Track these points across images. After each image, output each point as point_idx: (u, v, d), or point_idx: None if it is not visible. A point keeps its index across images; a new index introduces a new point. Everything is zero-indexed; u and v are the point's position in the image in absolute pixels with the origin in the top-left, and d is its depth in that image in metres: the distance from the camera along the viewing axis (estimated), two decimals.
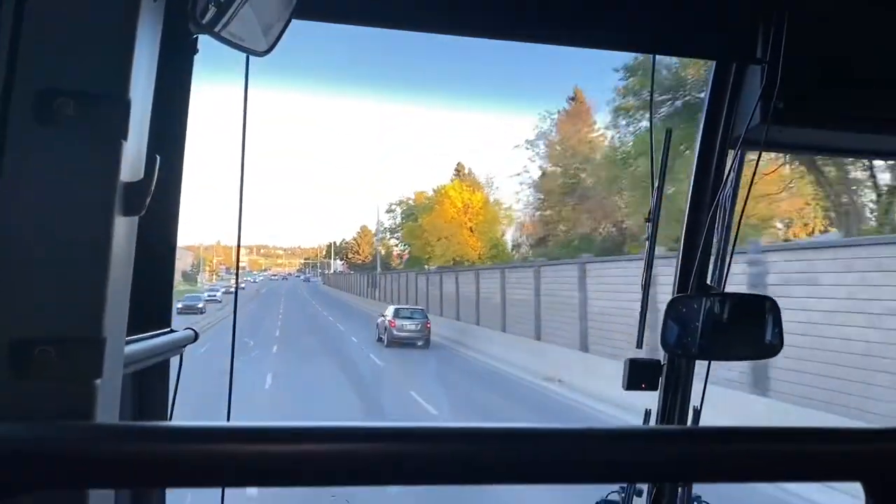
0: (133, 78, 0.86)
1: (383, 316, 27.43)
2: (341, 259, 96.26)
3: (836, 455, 0.78)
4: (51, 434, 0.66)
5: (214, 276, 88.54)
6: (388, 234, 66.04)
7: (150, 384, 1.46)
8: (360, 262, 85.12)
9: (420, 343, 25.63)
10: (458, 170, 53.00)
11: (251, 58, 1.34)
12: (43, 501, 0.69)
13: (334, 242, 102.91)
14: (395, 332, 25.65)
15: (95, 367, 0.83)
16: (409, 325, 26.19)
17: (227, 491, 1.26)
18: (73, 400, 0.82)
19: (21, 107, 0.82)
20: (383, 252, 64.47)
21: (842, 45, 1.71)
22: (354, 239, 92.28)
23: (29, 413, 0.80)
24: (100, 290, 0.83)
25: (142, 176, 0.92)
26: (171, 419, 1.50)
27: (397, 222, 61.28)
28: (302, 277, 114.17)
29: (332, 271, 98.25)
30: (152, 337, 1.36)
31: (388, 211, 63.66)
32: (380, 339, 26.68)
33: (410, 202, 57.76)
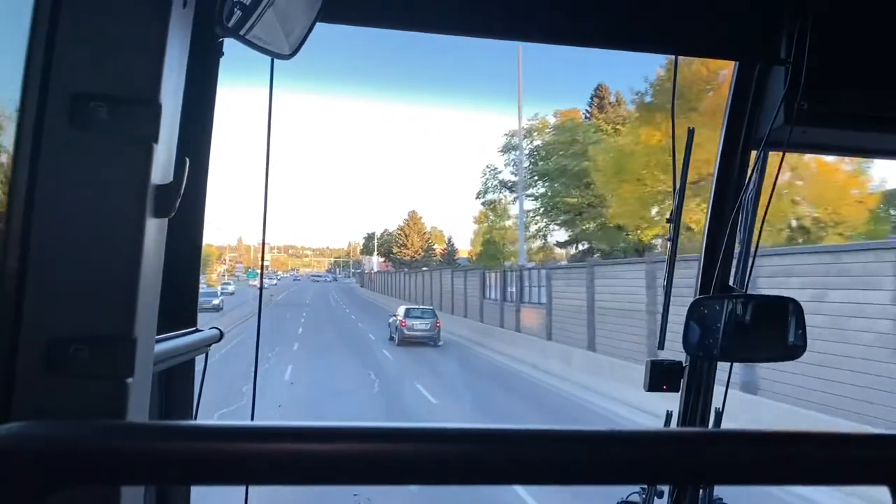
0: (163, 82, 0.88)
1: (395, 316, 28.14)
2: (384, 256, 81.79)
3: (863, 459, 0.77)
4: (87, 432, 0.68)
5: (227, 275, 79.85)
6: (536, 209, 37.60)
7: (176, 382, 1.48)
8: (408, 257, 72.34)
9: (430, 342, 26.25)
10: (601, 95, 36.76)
11: (276, 61, 1.36)
12: (77, 497, 0.70)
13: (374, 234, 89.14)
14: (405, 332, 26.31)
15: (128, 366, 0.85)
16: (420, 324, 26.82)
17: (251, 488, 1.28)
18: (106, 398, 0.84)
19: (56, 111, 0.84)
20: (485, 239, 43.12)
21: (865, 44, 1.70)
22: (401, 228, 77.25)
23: (63, 410, 0.82)
24: (132, 291, 0.85)
25: (171, 179, 0.93)
26: (195, 417, 1.52)
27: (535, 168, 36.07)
28: (329, 278, 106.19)
29: (372, 269, 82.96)
30: (179, 336, 1.37)
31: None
32: (391, 339, 27.30)
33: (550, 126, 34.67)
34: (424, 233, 77.12)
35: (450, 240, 72.28)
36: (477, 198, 45.50)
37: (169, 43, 0.88)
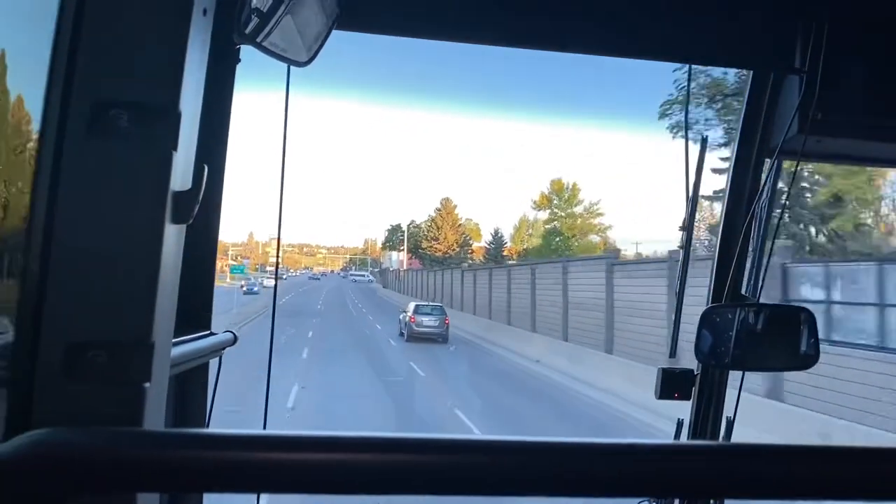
0: (183, 90, 0.88)
1: (404, 312, 28.52)
2: (410, 251, 68.42)
3: (880, 475, 0.77)
4: (108, 440, 0.69)
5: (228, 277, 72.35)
6: None
7: (191, 386, 1.49)
8: (440, 253, 60.77)
9: (439, 339, 26.57)
10: None
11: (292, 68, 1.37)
12: (95, 502, 0.71)
13: (399, 226, 73.46)
14: (414, 328, 26.71)
15: (145, 372, 0.86)
16: (429, 320, 27.21)
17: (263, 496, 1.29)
18: (124, 402, 0.85)
19: (78, 118, 0.85)
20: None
21: (880, 54, 1.69)
22: (432, 219, 64.65)
23: (82, 414, 0.83)
24: (150, 297, 0.86)
25: (190, 185, 0.94)
26: (209, 421, 1.53)
27: None
28: (346, 276, 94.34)
29: (396, 267, 69.90)
30: (194, 340, 1.38)
31: None
32: (401, 334, 27.70)
33: None
34: (459, 225, 64.53)
35: (496, 232, 58.93)
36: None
37: (189, 51, 0.89)
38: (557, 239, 40.05)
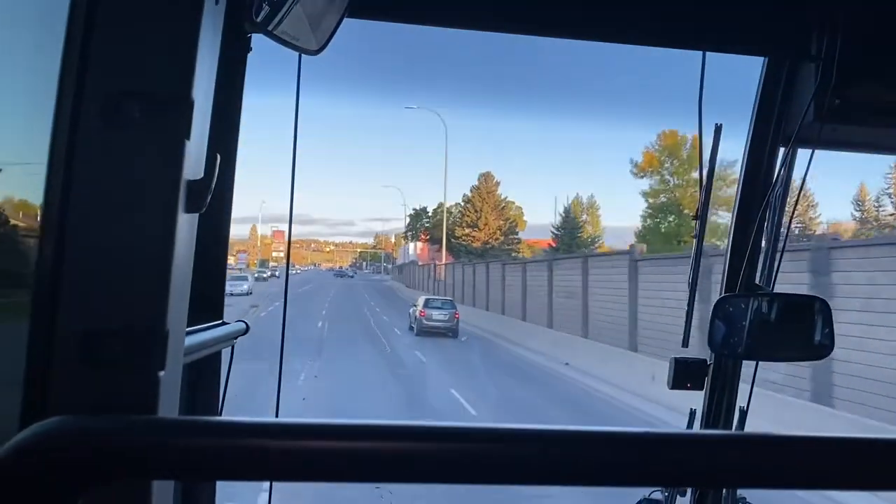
0: (195, 79, 0.88)
1: (415, 306, 28.73)
2: (435, 241, 56.12)
3: (889, 464, 0.76)
4: (125, 428, 0.69)
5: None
6: None
7: (204, 375, 1.50)
8: (478, 243, 48.38)
9: (449, 333, 26.68)
10: None
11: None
12: (110, 488, 0.72)
13: (424, 211, 61.51)
14: (424, 322, 26.90)
15: (159, 360, 0.86)
16: (438, 314, 27.35)
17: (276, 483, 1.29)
18: (139, 391, 0.85)
19: (90, 109, 0.85)
20: None
21: None
22: (468, 200, 51.45)
23: (97, 402, 0.84)
24: (164, 286, 0.86)
25: (202, 174, 0.94)
26: (222, 409, 1.54)
27: None
28: (353, 273, 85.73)
29: (437, 262, 49.37)
30: (206, 329, 1.39)
31: None
32: (411, 328, 27.92)
33: None
34: (503, 207, 51.23)
35: (566, 212, 43.77)
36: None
37: (201, 40, 0.89)
38: (672, 219, 25.99)
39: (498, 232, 50.92)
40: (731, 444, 0.79)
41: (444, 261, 47.72)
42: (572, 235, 42.48)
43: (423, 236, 62.92)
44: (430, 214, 63.62)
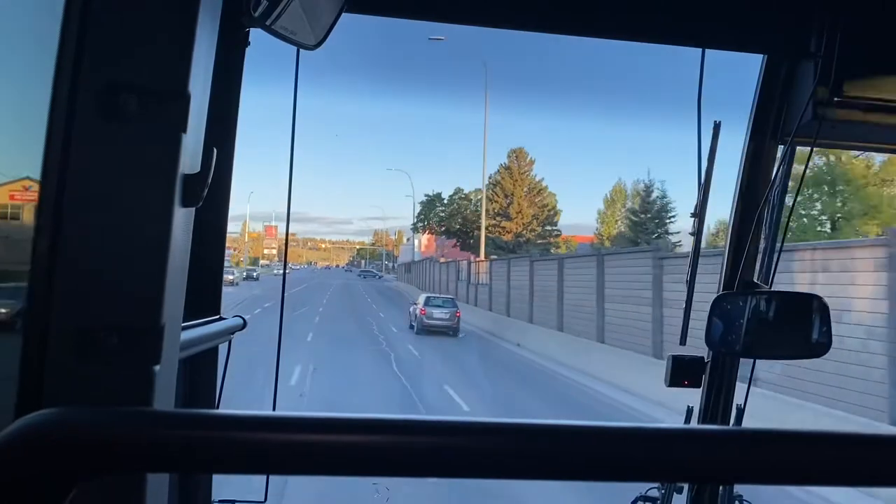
0: (192, 73, 0.88)
1: (415, 304, 28.20)
2: (451, 234, 47.22)
3: (888, 460, 0.77)
4: (119, 420, 0.69)
5: None
6: None
7: (201, 370, 1.50)
8: (509, 237, 39.35)
9: (450, 332, 26.19)
10: None
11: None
12: (105, 481, 0.72)
13: (438, 197, 49.40)
14: (425, 320, 26.42)
15: (155, 354, 0.86)
16: (439, 313, 26.81)
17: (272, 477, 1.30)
18: (134, 385, 0.85)
19: (87, 102, 0.85)
20: None
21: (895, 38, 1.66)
22: (497, 183, 41.40)
23: (92, 397, 0.84)
24: (160, 280, 0.86)
25: (199, 168, 0.94)
26: (219, 403, 1.54)
27: None
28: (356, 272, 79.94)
29: (477, 259, 35.73)
30: (203, 324, 1.39)
31: None
32: (411, 327, 27.37)
33: None
34: (539, 191, 41.57)
35: (646, 189, 33.26)
36: None
37: (198, 33, 0.89)
38: (844, 190, 18.02)
39: (534, 222, 41.17)
40: (729, 439, 0.79)
41: (482, 256, 34.79)
42: (660, 223, 31.96)
43: (434, 228, 51.44)
44: (445, 202, 50.31)
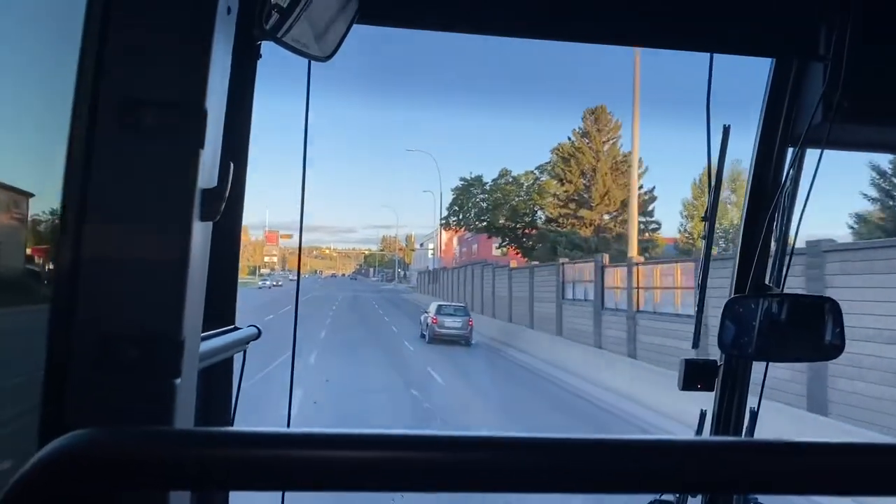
0: (209, 88, 0.90)
1: (426, 312, 27.60)
2: (497, 233, 36.14)
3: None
4: (145, 440, 0.69)
5: None
6: None
7: (216, 381, 1.51)
8: (588, 231, 28.63)
9: (462, 341, 25.60)
10: None
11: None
12: (129, 499, 0.73)
13: (479, 180, 37.91)
14: (436, 329, 25.85)
15: (175, 367, 0.87)
16: (451, 321, 26.23)
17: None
18: (155, 398, 0.86)
19: (106, 117, 0.86)
20: None
21: None
22: (570, 154, 29.95)
23: (113, 411, 0.85)
24: (180, 293, 0.87)
25: (216, 183, 0.95)
26: (234, 415, 1.55)
27: None
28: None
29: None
30: (219, 335, 1.39)
31: None
32: (422, 336, 26.88)
33: None
34: (628, 166, 26.27)
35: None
36: None
37: (214, 49, 0.90)
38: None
39: (618, 208, 30.00)
40: (746, 451, 0.79)
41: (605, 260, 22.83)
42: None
43: (472, 223, 39.32)
44: (488, 188, 37.47)
